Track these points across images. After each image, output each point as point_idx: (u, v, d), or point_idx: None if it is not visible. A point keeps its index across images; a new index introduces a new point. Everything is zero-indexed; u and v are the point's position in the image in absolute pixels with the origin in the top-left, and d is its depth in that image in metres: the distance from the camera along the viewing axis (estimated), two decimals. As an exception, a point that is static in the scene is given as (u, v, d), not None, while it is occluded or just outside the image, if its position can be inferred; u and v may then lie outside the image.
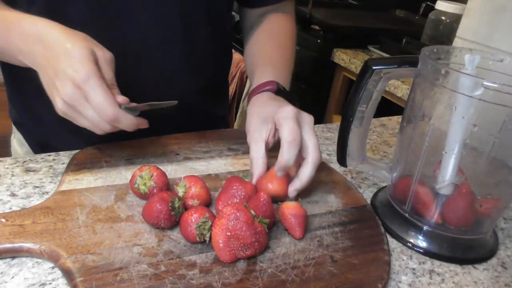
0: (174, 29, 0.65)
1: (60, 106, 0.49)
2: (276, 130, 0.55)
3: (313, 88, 1.65)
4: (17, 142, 0.77)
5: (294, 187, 0.54)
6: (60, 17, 0.52)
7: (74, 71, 0.46)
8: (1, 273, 0.42)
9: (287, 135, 0.52)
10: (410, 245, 0.53)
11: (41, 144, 0.73)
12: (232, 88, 1.72)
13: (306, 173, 0.53)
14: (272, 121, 0.55)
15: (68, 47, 0.48)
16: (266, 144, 0.55)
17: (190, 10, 0.66)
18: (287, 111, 0.53)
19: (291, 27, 0.79)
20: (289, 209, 0.50)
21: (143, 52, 0.65)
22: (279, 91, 0.64)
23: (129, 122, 0.50)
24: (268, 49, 0.74)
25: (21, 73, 0.57)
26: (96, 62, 0.48)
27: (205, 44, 0.71)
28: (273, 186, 0.53)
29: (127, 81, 0.66)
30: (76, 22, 0.55)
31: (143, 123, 0.53)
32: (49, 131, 0.70)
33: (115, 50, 0.56)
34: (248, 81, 1.67)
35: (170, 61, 0.68)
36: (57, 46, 0.48)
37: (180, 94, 0.71)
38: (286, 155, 0.51)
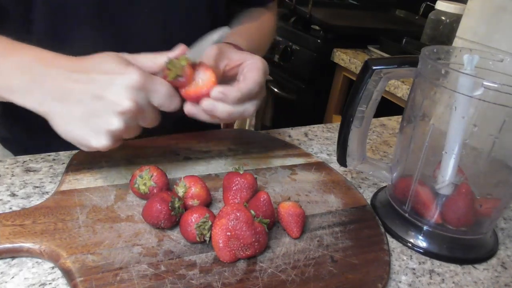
0: (176, 35, 0.65)
1: (104, 141, 0.43)
2: (234, 68, 0.53)
3: (313, 88, 1.65)
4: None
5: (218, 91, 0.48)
6: (61, 16, 0.52)
7: (129, 77, 0.42)
8: (1, 273, 0.42)
9: (250, 86, 0.49)
10: (410, 245, 0.53)
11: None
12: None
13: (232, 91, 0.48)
14: (233, 60, 0.52)
15: (102, 61, 0.43)
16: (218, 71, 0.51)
17: (194, 17, 0.66)
18: (261, 60, 0.52)
19: (272, 23, 0.81)
20: (286, 208, 0.50)
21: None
22: None
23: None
24: (247, 26, 0.74)
25: None
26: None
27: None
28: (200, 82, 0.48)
29: None
30: (77, 21, 0.55)
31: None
32: (44, 142, 0.69)
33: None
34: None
35: None
36: (89, 67, 0.43)
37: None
38: (234, 95, 0.48)
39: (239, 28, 0.73)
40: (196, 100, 0.49)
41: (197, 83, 0.48)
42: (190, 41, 0.68)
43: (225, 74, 0.53)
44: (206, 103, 0.48)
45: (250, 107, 0.51)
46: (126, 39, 0.63)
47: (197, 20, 0.67)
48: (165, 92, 0.45)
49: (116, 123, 0.42)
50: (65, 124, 0.43)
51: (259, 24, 0.78)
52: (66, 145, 0.64)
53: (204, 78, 0.48)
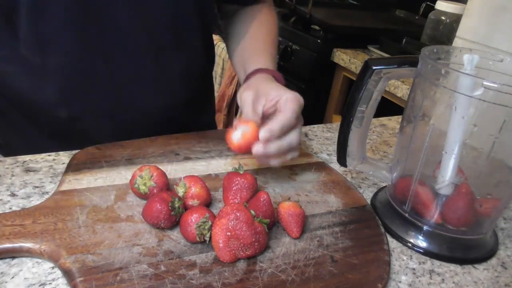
0: (162, 32, 0.65)
1: None
2: (272, 106, 0.56)
3: (313, 88, 1.66)
4: None
5: (263, 133, 0.52)
6: (42, 17, 0.52)
7: None
8: (1, 273, 0.42)
9: (289, 115, 0.53)
10: (410, 245, 0.53)
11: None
12: (232, 89, 1.72)
13: (275, 126, 0.52)
14: (269, 98, 0.56)
15: None
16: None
17: (181, 20, 0.66)
18: (295, 94, 0.55)
19: (274, 17, 0.81)
20: (286, 208, 0.50)
21: (131, 62, 0.65)
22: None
23: None
24: (260, 38, 0.75)
25: (10, 105, 0.58)
26: None
27: (196, 52, 0.72)
28: (240, 136, 0.53)
29: (120, 97, 0.66)
30: (57, 22, 0.56)
31: None
32: (37, 147, 0.67)
33: (105, 60, 0.55)
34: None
35: (162, 73, 0.68)
36: None
37: (168, 105, 0.71)
38: (277, 128, 0.52)
39: (253, 37, 0.73)
40: (247, 149, 0.53)
41: (243, 135, 0.53)
42: (176, 38, 0.68)
43: (264, 114, 0.55)
44: (256, 148, 0.52)
45: (294, 136, 0.54)
46: (111, 39, 0.62)
47: (184, 17, 0.67)
48: None
49: None
50: None
51: (265, 25, 0.78)
52: (60, 149, 0.64)
53: (246, 129, 0.53)
